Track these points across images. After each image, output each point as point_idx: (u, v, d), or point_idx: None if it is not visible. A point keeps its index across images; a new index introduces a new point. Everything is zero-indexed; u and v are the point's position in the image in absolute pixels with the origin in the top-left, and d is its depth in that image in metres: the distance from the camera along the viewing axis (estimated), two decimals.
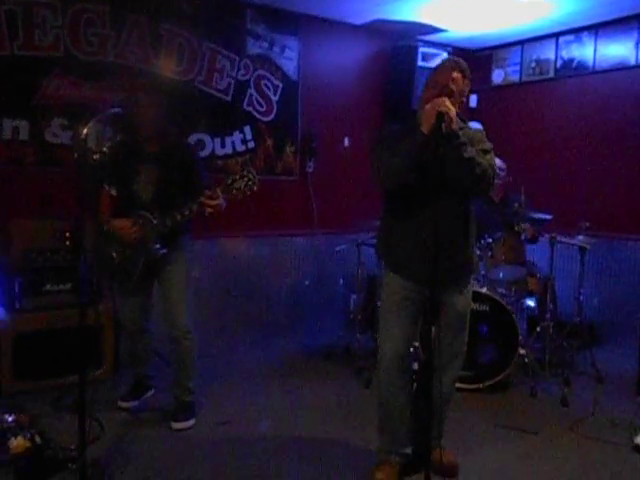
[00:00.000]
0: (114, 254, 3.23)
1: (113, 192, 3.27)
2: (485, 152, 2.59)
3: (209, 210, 3.03)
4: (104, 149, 2.86)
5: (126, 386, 3.62)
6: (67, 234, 3.68)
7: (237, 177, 3.00)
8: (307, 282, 5.33)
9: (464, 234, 2.68)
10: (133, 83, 4.11)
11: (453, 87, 2.53)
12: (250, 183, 3.01)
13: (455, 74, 2.55)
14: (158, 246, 3.16)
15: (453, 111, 2.39)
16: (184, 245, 3.35)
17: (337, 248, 4.70)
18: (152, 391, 3.65)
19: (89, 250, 3.24)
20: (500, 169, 4.60)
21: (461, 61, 2.63)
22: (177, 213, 3.08)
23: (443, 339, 2.60)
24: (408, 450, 2.81)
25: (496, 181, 4.65)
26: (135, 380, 3.60)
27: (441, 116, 2.35)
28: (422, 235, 2.54)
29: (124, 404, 3.49)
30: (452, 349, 2.74)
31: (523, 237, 4.24)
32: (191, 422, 3.29)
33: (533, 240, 4.46)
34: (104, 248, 3.24)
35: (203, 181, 3.25)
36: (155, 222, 3.13)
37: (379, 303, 2.84)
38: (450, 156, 2.44)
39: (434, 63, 5.27)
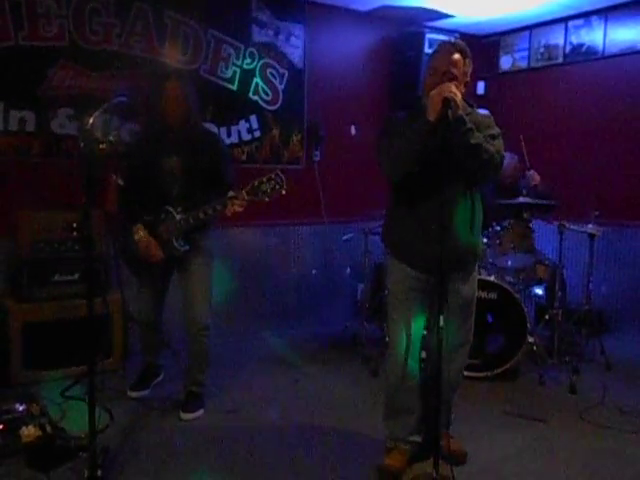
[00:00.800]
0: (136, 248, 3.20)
1: (120, 182, 3.23)
2: (493, 137, 2.56)
3: (231, 211, 2.99)
4: (110, 138, 2.85)
5: (135, 375, 3.62)
6: (74, 225, 3.68)
7: (264, 180, 2.95)
8: (314, 271, 5.33)
9: (470, 221, 2.66)
10: (141, 72, 4.10)
11: (455, 71, 2.49)
12: (277, 187, 2.95)
13: (455, 56, 2.51)
14: (181, 243, 3.15)
15: (459, 96, 2.37)
16: (209, 242, 3.33)
17: (344, 237, 4.69)
18: (161, 377, 3.67)
19: (97, 240, 3.25)
20: (510, 157, 4.59)
21: (458, 42, 2.58)
22: (201, 212, 3.05)
23: (449, 327, 2.59)
24: (417, 438, 2.81)
25: (506, 168, 4.66)
26: (144, 368, 3.61)
27: (447, 102, 2.33)
28: (428, 223, 2.52)
29: (134, 394, 3.49)
30: (459, 336, 2.73)
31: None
32: (200, 412, 3.30)
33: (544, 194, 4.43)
34: (127, 239, 3.21)
35: (229, 174, 3.22)
36: (178, 218, 3.11)
37: (386, 292, 2.84)
38: (457, 142, 2.41)
39: None
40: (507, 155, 4.69)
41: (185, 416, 3.24)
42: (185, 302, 3.29)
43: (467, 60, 2.55)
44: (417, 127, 2.43)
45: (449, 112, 2.34)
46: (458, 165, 2.47)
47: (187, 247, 3.17)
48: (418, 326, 2.73)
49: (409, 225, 2.66)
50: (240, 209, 2.97)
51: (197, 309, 3.27)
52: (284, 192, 2.96)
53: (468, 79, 2.57)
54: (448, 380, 2.64)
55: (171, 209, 3.13)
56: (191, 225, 3.10)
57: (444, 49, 2.56)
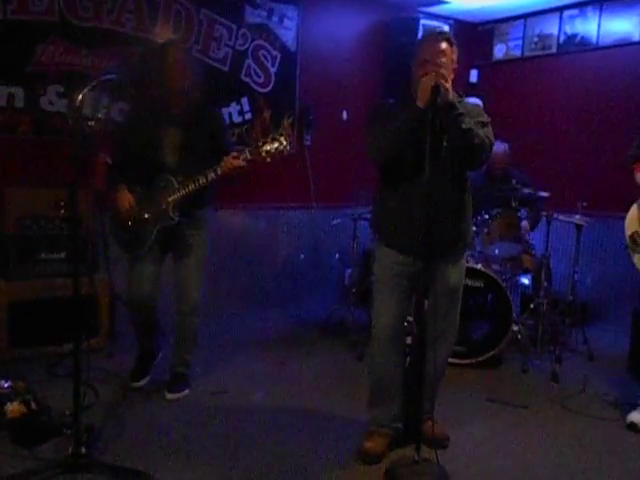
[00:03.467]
0: (129, 222, 3.12)
1: (108, 159, 3.17)
2: (482, 125, 2.57)
3: (233, 169, 2.92)
4: (99, 116, 2.81)
5: (130, 362, 3.48)
6: (62, 203, 3.66)
7: (268, 139, 2.91)
8: (302, 255, 5.34)
9: (458, 208, 2.67)
10: (131, 50, 4.05)
11: (443, 60, 2.50)
12: (281, 147, 2.90)
13: (442, 45, 2.53)
14: (177, 213, 3.06)
15: (449, 82, 2.38)
16: (206, 218, 3.27)
17: (333, 222, 4.70)
18: (158, 357, 3.54)
19: (84, 218, 3.19)
20: (501, 144, 4.60)
21: (443, 30, 2.64)
22: (201, 176, 2.97)
23: (438, 314, 2.62)
24: (399, 424, 2.84)
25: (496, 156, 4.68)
26: (140, 354, 3.47)
27: (437, 89, 2.34)
28: (416, 208, 2.54)
29: (136, 384, 3.35)
30: (445, 323, 2.75)
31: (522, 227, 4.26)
32: (185, 392, 3.29)
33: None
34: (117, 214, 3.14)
35: (230, 149, 3.11)
36: (177, 187, 3.03)
37: (373, 277, 2.85)
38: (448, 128, 2.43)
39: None
40: (497, 143, 4.71)
41: (171, 396, 3.23)
42: (179, 280, 3.24)
43: (453, 47, 2.57)
44: (406, 114, 2.45)
45: (438, 98, 2.35)
46: (449, 150, 2.49)
47: (182, 219, 3.08)
48: (403, 312, 2.75)
49: (397, 210, 2.67)
50: (242, 163, 2.92)
51: (192, 288, 3.24)
52: (286, 153, 2.93)
53: (456, 66, 2.58)
54: (433, 366, 2.66)
55: (171, 177, 3.05)
56: (191, 191, 3.01)
57: (430, 39, 2.59)
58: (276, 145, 2.89)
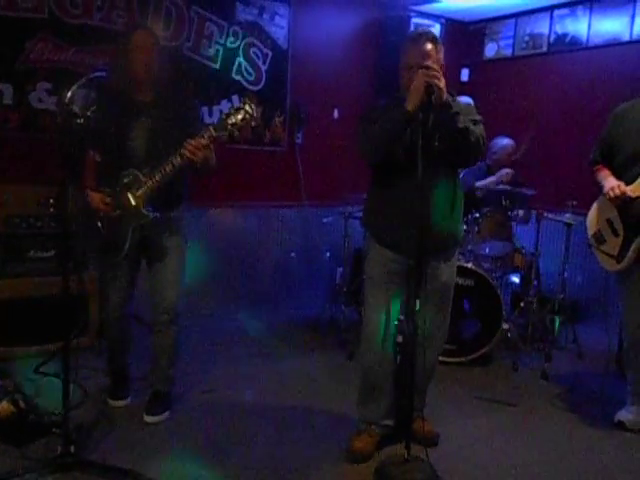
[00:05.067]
0: (99, 223, 2.89)
1: (97, 157, 2.98)
2: (475, 123, 2.58)
3: (198, 149, 2.66)
4: (88, 113, 2.75)
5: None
6: (51, 201, 3.64)
7: (232, 110, 2.65)
8: (293, 254, 5.33)
9: (450, 206, 2.68)
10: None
11: (429, 62, 2.47)
12: (247, 116, 2.63)
13: (428, 47, 2.52)
14: (150, 209, 2.80)
15: (442, 81, 2.37)
16: (181, 219, 3.02)
17: (324, 220, 4.70)
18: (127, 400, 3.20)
19: (75, 218, 3.04)
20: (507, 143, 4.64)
21: (426, 30, 2.61)
22: (167, 164, 2.71)
23: (427, 311, 2.62)
24: (389, 422, 2.85)
25: (497, 157, 4.72)
26: (115, 374, 3.21)
27: (430, 89, 2.34)
28: (407, 206, 2.54)
29: (114, 403, 3.15)
30: (436, 321, 2.76)
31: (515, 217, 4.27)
32: (166, 415, 3.03)
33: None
34: (90, 217, 2.92)
35: None
36: (143, 179, 2.77)
37: (365, 275, 2.86)
38: (444, 127, 2.43)
39: None
40: (504, 139, 4.74)
41: (150, 419, 2.97)
42: (155, 286, 3.00)
43: (439, 47, 2.56)
44: (395, 116, 2.45)
45: (432, 98, 2.35)
46: (443, 149, 2.49)
47: (157, 214, 2.82)
48: (395, 310, 2.76)
49: (389, 208, 2.68)
50: (206, 141, 2.66)
51: (169, 295, 2.98)
52: (254, 123, 2.74)
53: (443, 64, 2.56)
54: (424, 365, 2.67)
55: (136, 171, 2.79)
56: (159, 182, 2.74)
57: (415, 42, 2.56)
58: (241, 116, 2.63)
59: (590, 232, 3.28)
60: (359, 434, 2.80)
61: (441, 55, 2.57)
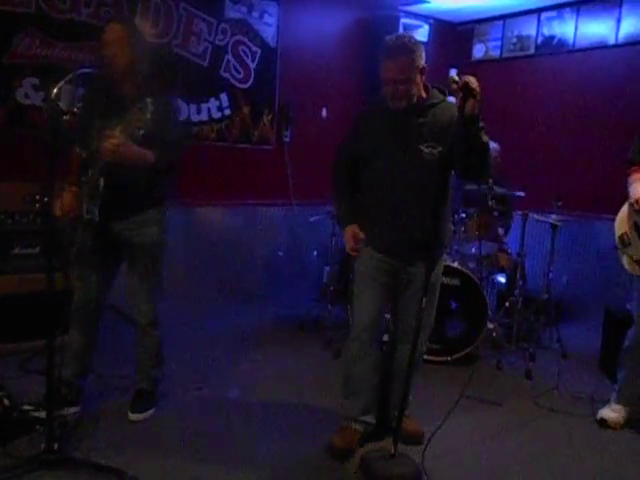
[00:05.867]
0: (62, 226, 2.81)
1: (83, 154, 2.89)
2: (483, 129, 2.54)
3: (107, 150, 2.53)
4: (75, 110, 2.72)
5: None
6: (37, 197, 3.61)
7: (136, 109, 2.52)
8: (281, 252, 5.34)
9: (435, 208, 2.67)
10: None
11: (404, 75, 2.45)
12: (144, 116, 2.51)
13: (401, 61, 2.45)
14: (92, 209, 2.67)
15: (476, 86, 2.30)
16: (156, 220, 2.91)
17: (311, 219, 4.70)
18: (78, 408, 2.99)
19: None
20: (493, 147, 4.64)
21: (399, 42, 2.48)
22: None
23: (411, 310, 2.65)
24: (369, 419, 2.86)
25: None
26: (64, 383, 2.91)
27: (471, 91, 2.27)
28: (391, 208, 2.58)
29: (67, 410, 2.91)
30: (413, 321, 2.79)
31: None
32: (150, 412, 3.02)
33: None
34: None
35: (170, 137, 2.78)
36: (83, 179, 2.67)
37: (353, 274, 2.88)
38: (470, 140, 2.37)
39: (415, 35, 5.27)
40: (491, 144, 4.75)
41: (134, 417, 2.95)
42: (130, 292, 2.97)
43: (416, 53, 2.48)
44: (337, 206, 2.79)
45: (465, 108, 2.29)
46: (467, 165, 2.47)
47: (94, 216, 2.67)
48: (381, 308, 2.77)
49: (372, 212, 2.70)
50: (112, 147, 2.52)
51: (143, 299, 2.97)
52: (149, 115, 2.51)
53: (423, 66, 2.51)
54: (409, 363, 2.68)
55: (91, 170, 2.68)
56: (99, 179, 2.62)
57: (389, 56, 2.48)
58: (143, 113, 2.50)
59: (617, 233, 3.22)
60: (341, 431, 2.81)
61: (419, 61, 2.48)
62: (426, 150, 2.55)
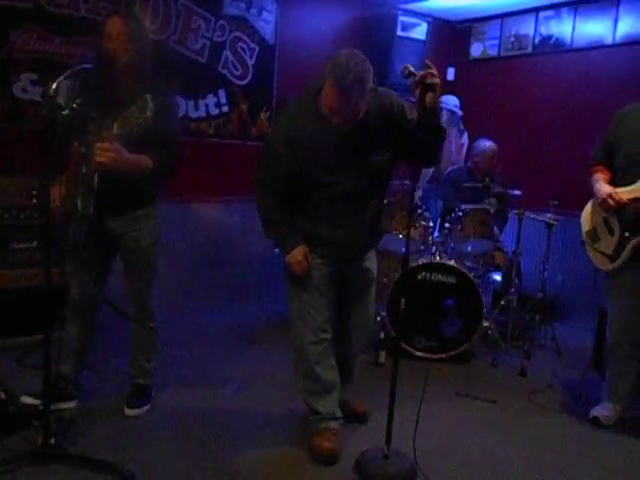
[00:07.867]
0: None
1: (83, 150, 2.80)
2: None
3: (99, 156, 2.50)
4: (73, 105, 2.72)
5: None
6: (34, 192, 3.61)
7: (135, 107, 2.47)
8: (276, 249, 5.33)
9: (376, 212, 2.73)
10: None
11: (355, 110, 2.41)
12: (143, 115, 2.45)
13: (351, 95, 2.35)
14: (86, 204, 2.65)
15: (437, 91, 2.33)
16: (150, 216, 2.92)
17: None
18: (74, 403, 2.99)
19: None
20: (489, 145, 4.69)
21: (346, 74, 2.38)
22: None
23: (353, 298, 2.81)
24: (340, 412, 2.83)
25: (478, 159, 4.78)
26: (58, 378, 2.93)
27: (432, 87, 2.29)
28: (344, 220, 2.62)
29: (62, 405, 2.92)
30: (360, 306, 2.87)
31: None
32: (146, 408, 3.04)
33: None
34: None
35: (167, 137, 2.77)
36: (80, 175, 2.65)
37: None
38: (431, 128, 2.42)
39: (414, 33, 5.29)
40: (487, 141, 4.78)
41: (130, 412, 2.97)
42: (126, 287, 2.99)
43: (369, 81, 2.39)
44: (282, 239, 2.74)
45: (427, 100, 2.31)
46: (425, 150, 2.48)
47: (91, 212, 2.64)
48: (333, 307, 2.79)
49: (320, 228, 2.67)
50: (106, 160, 2.49)
51: (139, 295, 2.99)
52: (149, 113, 2.44)
53: (372, 87, 2.45)
54: (357, 346, 2.92)
55: (84, 166, 2.66)
56: (93, 175, 2.60)
57: (342, 89, 2.34)
58: (142, 111, 2.44)
59: (584, 229, 3.26)
60: (322, 432, 2.72)
61: (369, 85, 2.38)
62: (377, 159, 2.54)
